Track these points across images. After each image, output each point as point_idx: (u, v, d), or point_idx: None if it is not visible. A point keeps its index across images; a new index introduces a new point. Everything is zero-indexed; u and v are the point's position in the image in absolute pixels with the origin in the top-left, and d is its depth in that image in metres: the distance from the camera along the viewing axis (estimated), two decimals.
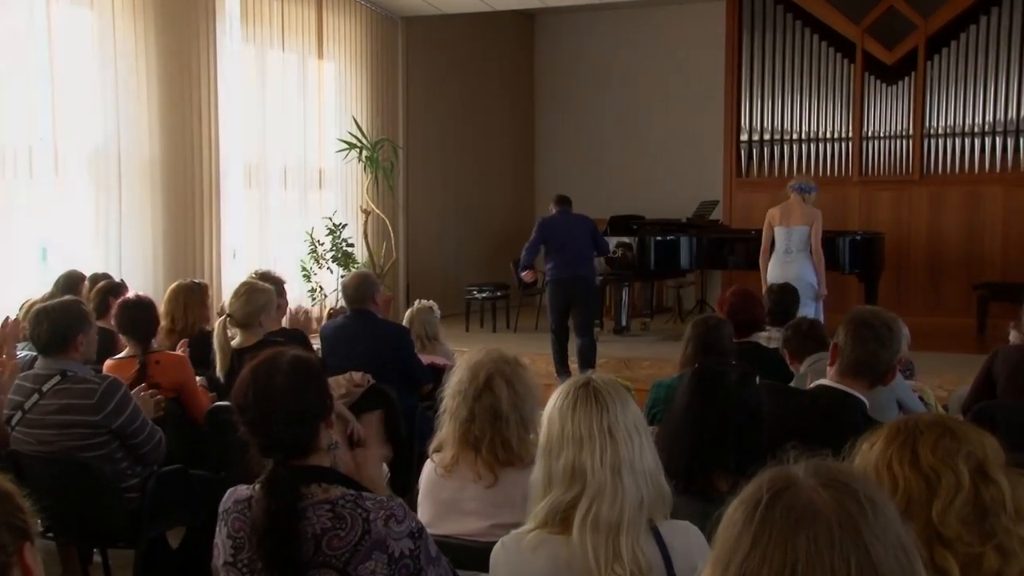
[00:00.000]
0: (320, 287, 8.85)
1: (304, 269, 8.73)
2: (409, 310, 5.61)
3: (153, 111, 7.21)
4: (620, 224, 9.61)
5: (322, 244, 8.84)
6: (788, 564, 1.01)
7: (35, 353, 3.79)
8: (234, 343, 4.35)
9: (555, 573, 1.93)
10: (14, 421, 3.55)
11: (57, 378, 3.52)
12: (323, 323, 5.60)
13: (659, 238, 9.31)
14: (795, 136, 11.01)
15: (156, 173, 7.28)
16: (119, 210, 6.94)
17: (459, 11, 10.25)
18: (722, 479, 2.37)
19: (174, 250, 7.44)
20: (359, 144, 9.11)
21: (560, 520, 1.94)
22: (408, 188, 10.47)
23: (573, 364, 7.39)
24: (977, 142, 10.26)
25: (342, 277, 7.54)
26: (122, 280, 5.68)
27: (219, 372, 4.31)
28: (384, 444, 2.30)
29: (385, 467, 4.77)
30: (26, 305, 4.76)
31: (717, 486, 2.36)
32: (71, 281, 5.18)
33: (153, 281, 7.04)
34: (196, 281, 5.15)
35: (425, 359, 5.01)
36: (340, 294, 6.40)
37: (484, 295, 10.02)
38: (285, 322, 5.57)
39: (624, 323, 9.40)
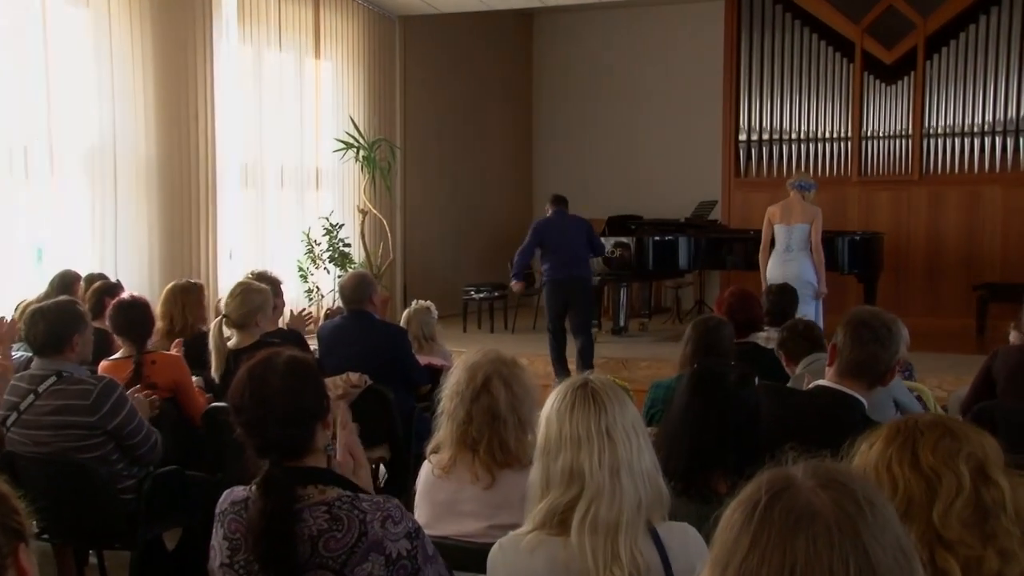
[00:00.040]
0: (317, 287, 8.83)
1: (301, 269, 8.71)
2: (406, 310, 5.59)
3: (149, 110, 7.19)
4: (618, 224, 9.59)
5: (319, 244, 8.81)
6: (787, 565, 1.00)
7: (31, 354, 3.78)
8: (230, 344, 4.34)
9: (553, 574, 1.92)
10: (9, 422, 3.53)
11: (53, 379, 3.50)
12: (320, 323, 5.58)
13: (657, 238, 9.30)
14: (794, 136, 11.01)
15: (152, 173, 7.26)
16: (115, 210, 6.92)
17: (457, 10, 10.23)
18: (721, 480, 2.36)
19: (170, 250, 7.41)
20: (356, 144, 9.10)
21: (558, 521, 1.93)
22: (405, 188, 10.45)
23: (572, 364, 7.39)
24: (976, 142, 10.26)
25: (339, 277, 7.54)
26: (118, 280, 5.67)
27: (215, 373, 4.29)
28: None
29: (383, 468, 4.78)
30: (21, 305, 4.75)
31: (716, 487, 2.36)
32: (66, 281, 5.15)
33: (149, 281, 7.02)
34: (192, 281, 5.13)
35: (423, 360, 5.00)
36: (337, 294, 6.39)
37: (482, 295, 10.00)
38: (284, 322, 5.56)
39: (622, 323, 9.39)
